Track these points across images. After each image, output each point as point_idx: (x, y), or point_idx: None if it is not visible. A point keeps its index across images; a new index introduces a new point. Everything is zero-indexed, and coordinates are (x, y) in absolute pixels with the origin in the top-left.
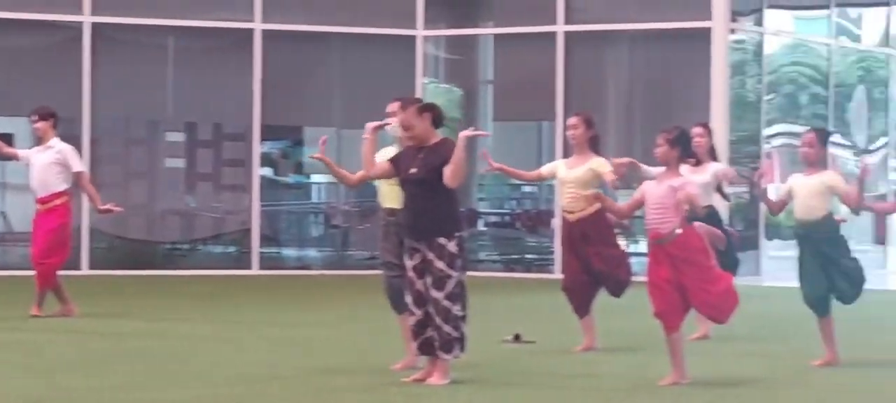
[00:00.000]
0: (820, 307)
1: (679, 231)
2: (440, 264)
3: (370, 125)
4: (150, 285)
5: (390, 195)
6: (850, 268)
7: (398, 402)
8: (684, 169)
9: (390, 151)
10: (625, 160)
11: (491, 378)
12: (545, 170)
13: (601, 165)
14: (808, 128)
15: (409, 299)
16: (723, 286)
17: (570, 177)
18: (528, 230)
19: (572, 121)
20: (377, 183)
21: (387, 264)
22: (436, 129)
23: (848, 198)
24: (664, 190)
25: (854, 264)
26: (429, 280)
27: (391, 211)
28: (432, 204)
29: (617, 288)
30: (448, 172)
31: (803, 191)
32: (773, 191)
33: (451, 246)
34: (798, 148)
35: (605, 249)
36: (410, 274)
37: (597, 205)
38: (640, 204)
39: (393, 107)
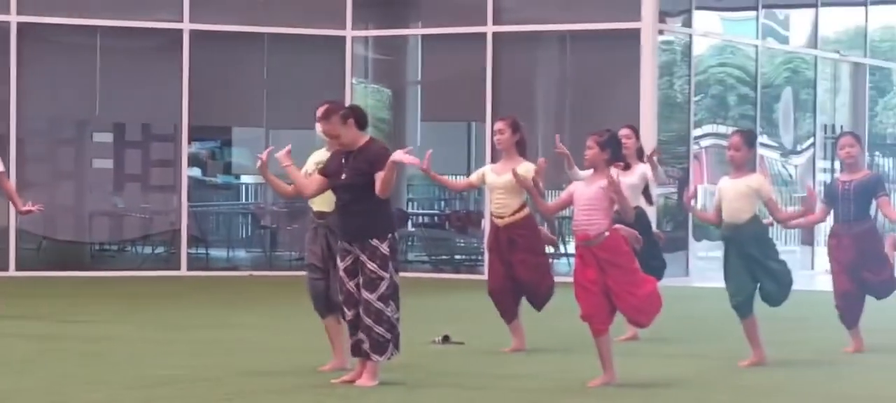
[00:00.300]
0: (743, 308)
1: (607, 233)
2: (372, 265)
3: (281, 155)
4: (79, 286)
5: (320, 199)
6: (777, 271)
7: None
8: (613, 172)
9: (321, 154)
10: (563, 150)
11: (420, 379)
12: (474, 177)
13: (527, 170)
14: (736, 129)
15: (340, 299)
16: (647, 289)
17: (499, 182)
18: (458, 230)
19: (499, 125)
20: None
21: (310, 267)
22: (362, 131)
23: (774, 209)
24: (593, 191)
25: (781, 267)
26: (360, 280)
27: (321, 214)
28: (364, 207)
29: (538, 302)
30: (377, 186)
31: (730, 194)
32: (703, 194)
33: (384, 248)
34: (725, 151)
35: (530, 257)
36: (342, 274)
37: (526, 211)
38: (567, 203)
39: (322, 110)
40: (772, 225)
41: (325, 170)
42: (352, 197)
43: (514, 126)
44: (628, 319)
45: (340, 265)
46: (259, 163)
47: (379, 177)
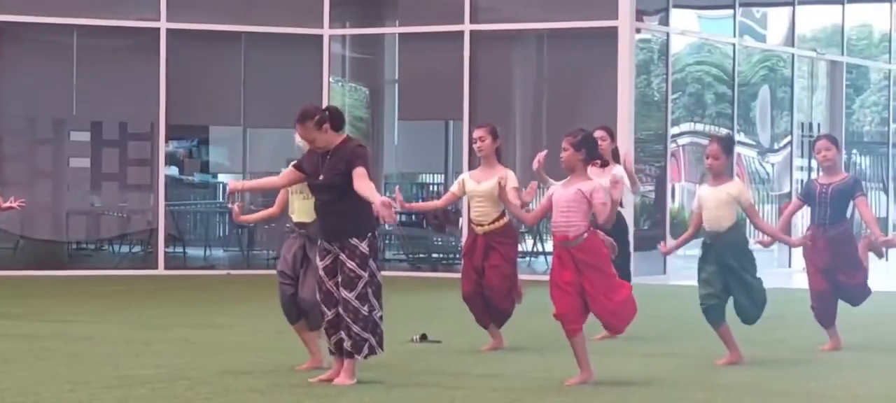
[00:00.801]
0: (712, 313)
1: (586, 235)
2: (351, 264)
3: (231, 188)
4: (56, 285)
5: (302, 210)
6: (751, 285)
7: None
8: (592, 171)
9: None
10: (541, 156)
11: (398, 378)
12: (455, 188)
13: (506, 178)
14: (713, 136)
15: (319, 298)
16: (623, 295)
17: (479, 190)
18: (436, 229)
19: (479, 133)
20: (291, 197)
21: (281, 273)
22: (338, 130)
23: (753, 216)
24: (572, 193)
25: (757, 283)
26: (339, 279)
27: (301, 225)
28: (343, 206)
29: (500, 319)
30: (356, 183)
31: (710, 203)
32: (680, 192)
33: (364, 247)
34: (704, 159)
35: (504, 265)
36: (321, 274)
37: (506, 219)
38: (546, 209)
39: (298, 115)
40: (764, 244)
41: (300, 166)
42: (330, 196)
43: (494, 133)
44: (603, 323)
45: (320, 264)
46: (235, 214)
47: (358, 173)
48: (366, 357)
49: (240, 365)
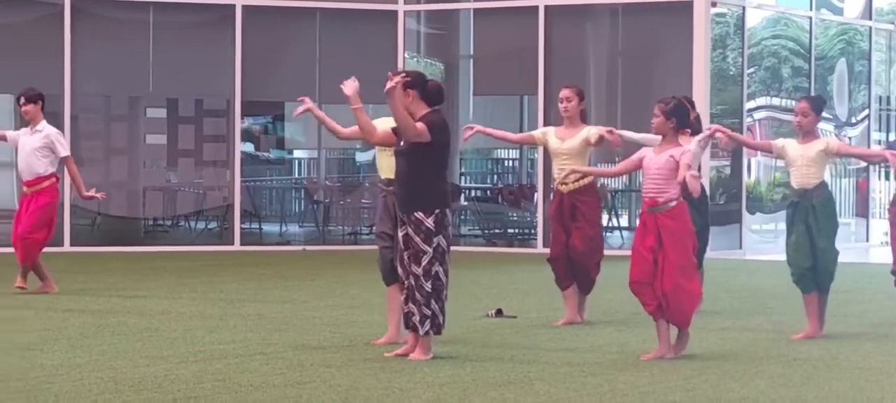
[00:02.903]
0: (801, 282)
1: (674, 202)
2: (417, 239)
3: (351, 94)
4: (132, 261)
5: (389, 167)
6: (824, 250)
7: (380, 378)
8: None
9: (388, 120)
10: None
11: (473, 353)
12: (537, 134)
13: (590, 132)
14: (797, 98)
15: (401, 270)
16: (693, 287)
17: (564, 148)
18: (511, 204)
19: (566, 93)
20: (378, 154)
21: (381, 235)
22: (431, 104)
23: (848, 151)
24: (664, 159)
25: (831, 249)
26: (409, 252)
27: (389, 182)
28: (413, 178)
29: (586, 283)
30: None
31: (799, 161)
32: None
33: (429, 222)
34: (793, 118)
35: (587, 227)
36: (400, 244)
37: (590, 178)
38: (636, 166)
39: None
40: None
41: (397, 131)
42: (405, 165)
43: (581, 94)
44: (662, 302)
45: (400, 233)
46: (304, 108)
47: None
48: (426, 334)
49: (315, 341)
